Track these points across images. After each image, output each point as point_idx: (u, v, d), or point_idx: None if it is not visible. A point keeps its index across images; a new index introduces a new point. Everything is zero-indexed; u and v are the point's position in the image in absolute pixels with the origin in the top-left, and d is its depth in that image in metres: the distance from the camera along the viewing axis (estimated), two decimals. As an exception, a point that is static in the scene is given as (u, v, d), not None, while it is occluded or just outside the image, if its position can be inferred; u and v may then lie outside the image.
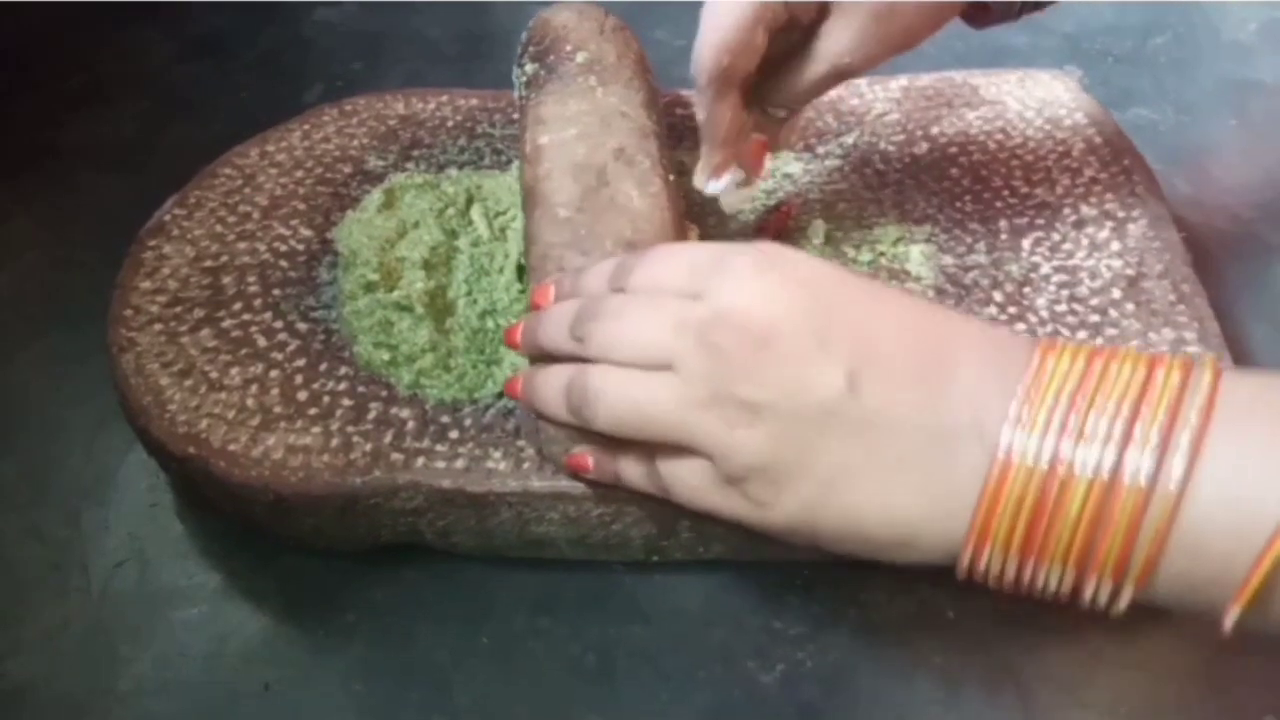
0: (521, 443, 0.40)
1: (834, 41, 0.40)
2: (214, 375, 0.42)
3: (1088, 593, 0.31)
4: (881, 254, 0.47)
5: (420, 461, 0.39)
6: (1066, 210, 0.48)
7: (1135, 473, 0.29)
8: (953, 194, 0.49)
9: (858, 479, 0.31)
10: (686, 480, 0.34)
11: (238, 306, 0.45)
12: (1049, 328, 0.43)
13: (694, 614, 0.40)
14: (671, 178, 0.43)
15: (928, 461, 0.31)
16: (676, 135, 0.52)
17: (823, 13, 0.40)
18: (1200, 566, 0.29)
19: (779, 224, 0.49)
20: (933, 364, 0.32)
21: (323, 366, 0.43)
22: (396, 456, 0.39)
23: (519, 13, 0.52)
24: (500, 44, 0.55)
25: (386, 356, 0.43)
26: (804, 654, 0.39)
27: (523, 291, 0.45)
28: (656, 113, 0.46)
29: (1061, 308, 0.44)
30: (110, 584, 0.41)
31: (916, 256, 0.46)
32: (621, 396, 0.34)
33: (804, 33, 0.41)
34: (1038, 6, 0.43)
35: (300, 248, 0.48)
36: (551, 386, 0.36)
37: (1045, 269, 0.45)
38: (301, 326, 0.44)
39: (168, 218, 0.48)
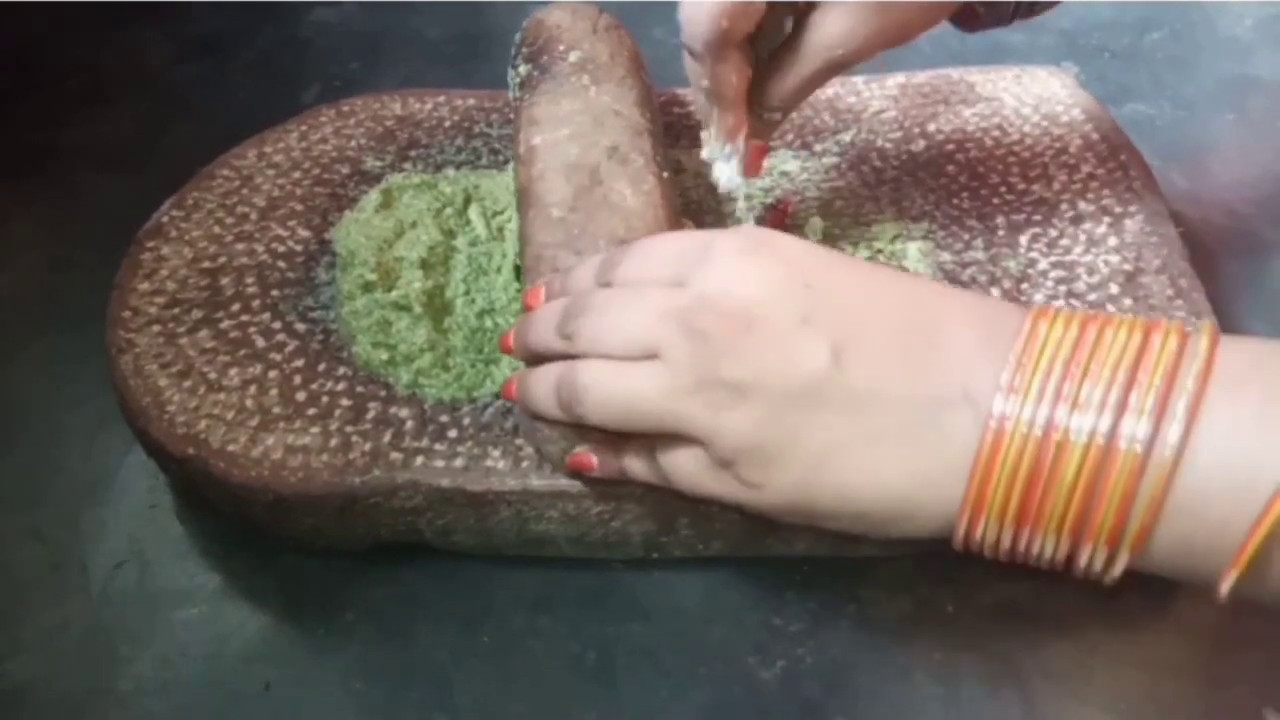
0: (520, 441, 0.40)
1: (825, 33, 0.39)
2: (213, 376, 0.42)
3: (1083, 560, 0.31)
4: (879, 251, 0.47)
5: (419, 461, 0.39)
6: (1064, 206, 0.48)
7: (1131, 438, 0.28)
8: (950, 191, 0.49)
9: (848, 454, 0.31)
10: (683, 468, 0.34)
11: (236, 307, 0.45)
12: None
13: (694, 611, 0.40)
14: (666, 175, 0.43)
15: (918, 432, 0.31)
16: (673, 134, 0.52)
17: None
18: (1196, 533, 0.29)
19: (776, 222, 0.49)
20: (920, 335, 0.32)
21: (321, 367, 0.43)
22: (395, 456, 0.39)
23: (516, 12, 0.51)
24: (497, 44, 0.55)
25: (385, 356, 0.43)
26: (804, 650, 0.39)
27: (520, 291, 0.45)
28: (651, 110, 0.46)
29: (1059, 303, 0.44)
30: (110, 584, 0.41)
31: (914, 253, 0.46)
32: (610, 389, 0.34)
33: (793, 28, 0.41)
34: (1031, 11, 0.43)
35: (298, 248, 0.48)
36: (543, 386, 0.36)
37: (1043, 265, 0.45)
38: (300, 327, 0.44)
39: (165, 219, 0.48)
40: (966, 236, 0.47)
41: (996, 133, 0.52)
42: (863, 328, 0.32)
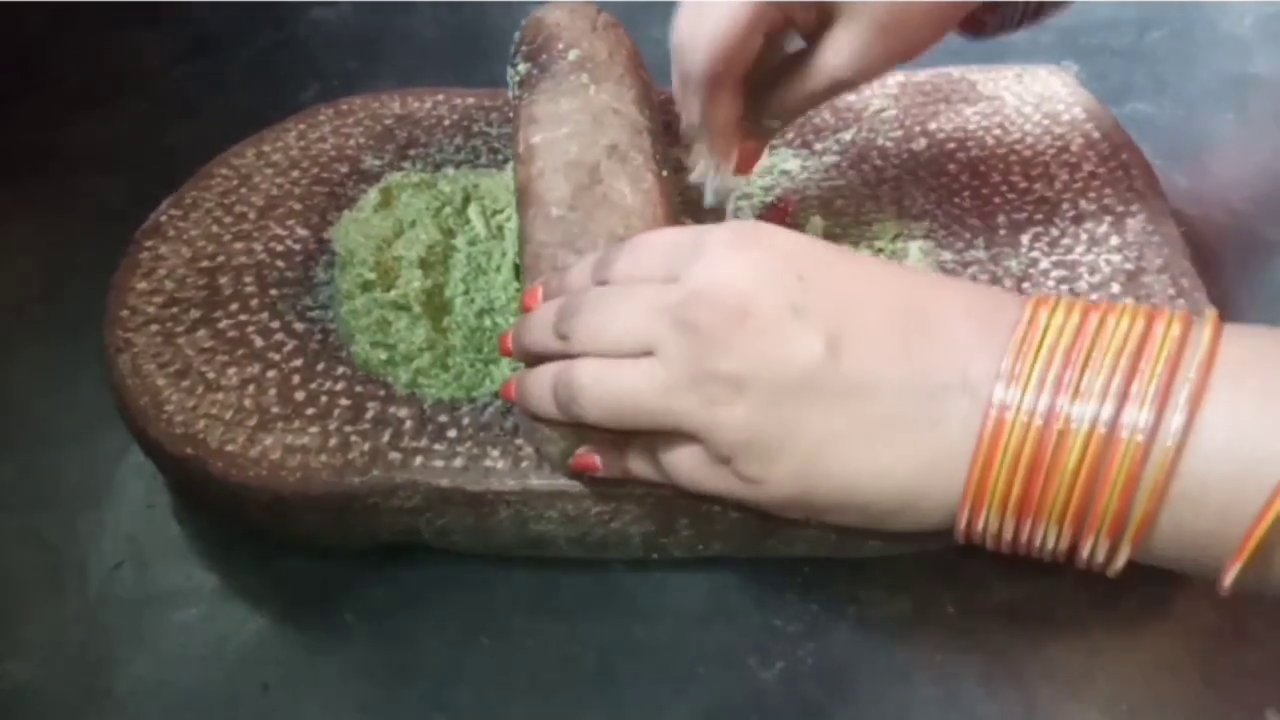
0: (520, 441, 0.40)
1: (834, 54, 0.39)
2: (211, 376, 0.42)
3: (1085, 551, 0.30)
4: (880, 250, 0.47)
5: (418, 461, 0.39)
6: (1065, 205, 0.48)
7: (1133, 427, 0.28)
8: (951, 190, 0.49)
9: (846, 446, 0.31)
10: (683, 465, 0.34)
11: (234, 307, 0.45)
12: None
13: (694, 612, 0.40)
14: (665, 173, 0.43)
15: (916, 422, 0.31)
16: (672, 132, 0.52)
17: (822, 19, 0.40)
18: (1199, 523, 0.28)
19: (777, 220, 0.48)
20: (916, 324, 0.32)
21: (320, 366, 0.42)
22: (394, 456, 0.39)
23: (514, 11, 0.52)
24: (496, 42, 0.55)
25: (384, 356, 0.43)
26: (804, 651, 0.38)
27: (519, 290, 0.45)
28: (650, 108, 0.45)
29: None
30: (108, 586, 0.41)
31: (915, 253, 0.46)
32: (605, 388, 0.34)
33: (800, 46, 0.41)
34: (1037, 14, 0.43)
35: (297, 248, 0.48)
36: (540, 386, 0.36)
37: (1044, 264, 0.45)
38: (298, 326, 0.44)
39: (164, 218, 0.48)
40: (968, 235, 0.47)
41: (998, 131, 0.52)
42: (857, 318, 0.32)
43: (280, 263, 0.47)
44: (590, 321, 0.34)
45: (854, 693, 0.37)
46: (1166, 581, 0.39)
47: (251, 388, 0.41)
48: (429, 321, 0.44)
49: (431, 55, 0.67)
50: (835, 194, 0.50)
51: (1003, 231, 0.47)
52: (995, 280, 0.45)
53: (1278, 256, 0.52)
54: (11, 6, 0.69)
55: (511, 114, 0.48)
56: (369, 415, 0.41)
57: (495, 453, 0.39)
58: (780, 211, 0.49)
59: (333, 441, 0.40)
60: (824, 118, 0.53)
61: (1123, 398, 0.29)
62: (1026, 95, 0.53)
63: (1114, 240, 0.46)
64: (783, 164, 0.51)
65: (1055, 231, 0.47)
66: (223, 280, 0.46)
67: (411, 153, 0.52)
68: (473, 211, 0.49)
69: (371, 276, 0.45)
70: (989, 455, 0.30)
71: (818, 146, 0.52)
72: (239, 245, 0.47)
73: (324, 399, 0.41)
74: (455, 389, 0.42)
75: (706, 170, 0.44)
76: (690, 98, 0.42)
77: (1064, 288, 0.44)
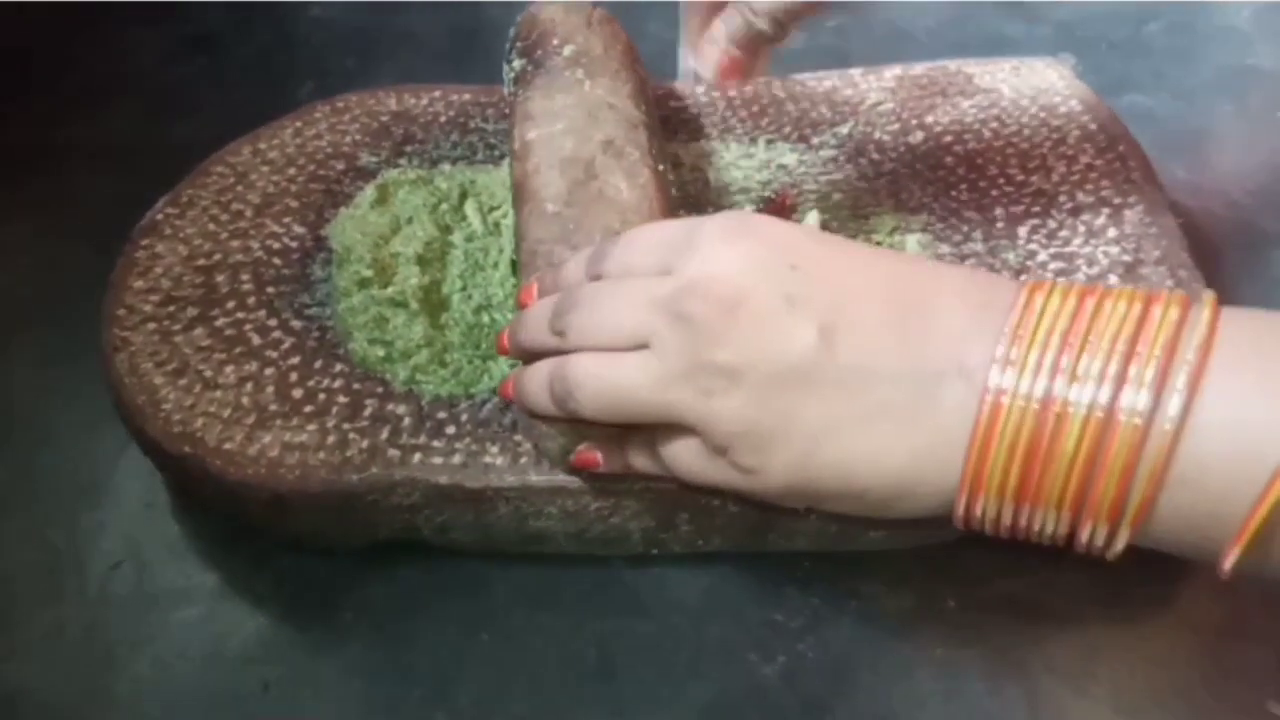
0: (518, 437, 0.40)
1: None
2: (208, 374, 0.42)
3: (1084, 535, 0.30)
4: (878, 243, 0.47)
5: (417, 458, 0.39)
6: (1062, 197, 0.47)
7: (1131, 410, 0.28)
8: (948, 183, 0.49)
9: (842, 433, 0.31)
10: (682, 458, 0.34)
11: (231, 305, 0.44)
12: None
13: (694, 607, 0.40)
14: (661, 168, 0.42)
15: (912, 408, 0.31)
16: (669, 127, 0.52)
17: None
18: (1199, 506, 0.28)
19: (774, 214, 0.48)
20: (910, 311, 0.31)
21: (318, 364, 0.42)
22: (393, 453, 0.39)
23: (510, 7, 0.51)
24: (492, 38, 0.55)
25: (382, 353, 0.42)
26: (805, 646, 0.38)
27: (517, 286, 0.45)
28: (646, 104, 0.45)
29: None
30: (107, 585, 0.41)
31: (913, 245, 0.46)
32: (601, 382, 0.33)
33: None
34: None
35: (293, 245, 0.47)
36: (537, 382, 0.36)
37: (1042, 256, 0.45)
38: (296, 324, 0.44)
39: (160, 217, 0.48)
40: (965, 228, 0.47)
41: (995, 124, 0.52)
42: (851, 306, 0.32)
43: (277, 260, 0.47)
44: (585, 317, 0.34)
45: (855, 687, 0.37)
46: (1168, 576, 0.40)
47: (249, 386, 0.41)
48: (427, 318, 0.44)
49: (428, 52, 0.67)
50: (833, 187, 0.50)
51: (1000, 224, 0.47)
52: (993, 272, 0.45)
53: (1276, 248, 0.52)
54: (8, 6, 0.69)
55: (507, 110, 0.48)
56: (367, 412, 0.40)
57: (494, 449, 0.39)
58: (778, 205, 0.49)
59: (331, 439, 0.40)
60: (821, 111, 0.53)
61: (1120, 381, 0.28)
62: (1024, 88, 0.53)
63: (1112, 232, 0.46)
64: (780, 158, 0.51)
65: (1053, 224, 0.46)
66: (220, 278, 0.46)
67: (408, 149, 0.52)
68: (469, 208, 0.49)
69: (369, 273, 0.45)
70: (986, 441, 0.30)
71: (815, 140, 0.52)
72: (236, 243, 0.47)
73: (322, 396, 0.41)
74: (453, 385, 0.42)
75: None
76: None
77: (1062, 280, 0.44)
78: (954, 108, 0.53)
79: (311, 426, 0.40)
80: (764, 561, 0.41)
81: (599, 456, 0.37)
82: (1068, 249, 0.45)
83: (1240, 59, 0.63)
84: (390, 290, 0.45)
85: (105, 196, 0.56)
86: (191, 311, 0.44)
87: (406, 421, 0.40)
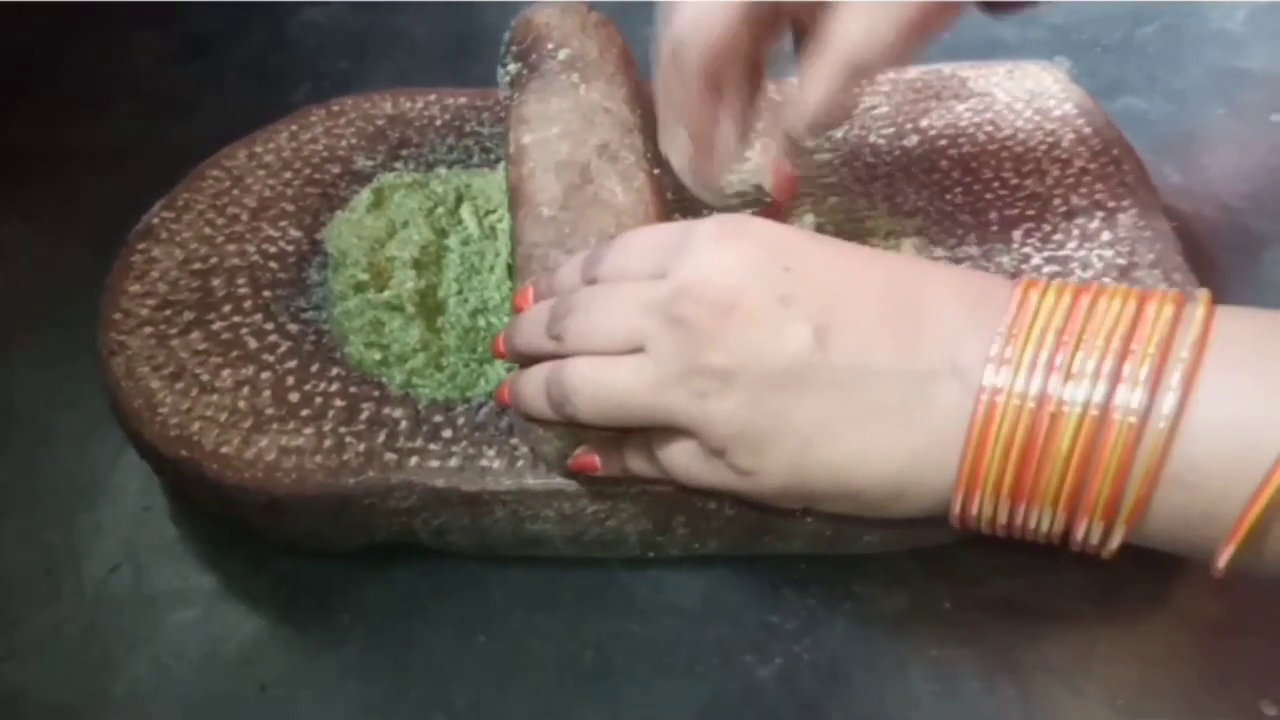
0: (515, 441, 0.40)
1: (845, 34, 0.37)
2: (205, 378, 0.42)
3: (1080, 533, 0.30)
4: (873, 247, 0.47)
5: (414, 461, 0.39)
6: (1057, 201, 0.48)
7: (1126, 409, 0.28)
8: (943, 186, 0.49)
9: (838, 433, 0.31)
10: (678, 460, 0.34)
11: (228, 309, 0.45)
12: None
13: (690, 610, 0.40)
14: (657, 171, 0.43)
15: (907, 408, 0.31)
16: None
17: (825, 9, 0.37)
18: (1193, 505, 0.28)
19: (769, 218, 0.48)
20: (904, 311, 0.32)
21: (314, 367, 0.42)
22: (390, 456, 0.39)
23: (505, 10, 0.51)
24: (488, 42, 0.55)
25: (378, 356, 0.43)
26: (800, 648, 0.38)
27: (513, 289, 0.45)
28: (641, 107, 0.45)
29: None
30: (104, 588, 0.41)
31: (908, 249, 0.46)
32: (598, 386, 0.34)
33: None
34: None
35: (289, 249, 0.47)
36: (533, 387, 0.36)
37: (1036, 260, 0.45)
38: (292, 328, 0.44)
39: (156, 220, 0.48)
40: (960, 232, 0.47)
41: (989, 128, 0.52)
42: (845, 306, 0.32)
43: (273, 264, 0.47)
44: (581, 321, 0.35)
45: (851, 688, 0.38)
46: (1163, 575, 0.40)
47: (246, 389, 0.41)
48: (423, 322, 0.44)
49: (423, 55, 0.67)
50: (828, 191, 0.50)
51: (995, 227, 0.47)
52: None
53: (1269, 250, 0.52)
54: (6, 6, 0.69)
55: (503, 113, 0.48)
56: (364, 416, 0.41)
57: (490, 452, 0.39)
58: (773, 209, 0.49)
59: (328, 443, 0.40)
60: (816, 115, 0.53)
61: (1115, 379, 0.28)
62: (1018, 91, 0.53)
63: (1105, 235, 0.46)
64: (776, 161, 0.51)
65: (1047, 227, 0.47)
66: (216, 282, 0.46)
67: (404, 153, 0.52)
68: (465, 211, 0.49)
69: (365, 277, 0.45)
70: (981, 440, 0.30)
71: (809, 144, 0.52)
72: (232, 247, 0.47)
73: (318, 400, 0.41)
74: (450, 389, 0.42)
75: (682, 164, 0.42)
76: (675, 91, 0.40)
77: (1056, 278, 0.44)
78: (949, 111, 0.53)
79: (308, 430, 0.40)
80: (760, 564, 0.41)
81: (596, 460, 0.37)
82: (1062, 252, 0.45)
83: (1233, 62, 0.64)
84: (386, 294, 0.45)
85: (103, 198, 0.56)
86: (188, 315, 0.44)
87: (403, 425, 0.40)
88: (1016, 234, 0.47)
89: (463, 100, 0.55)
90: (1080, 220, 0.47)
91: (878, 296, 0.32)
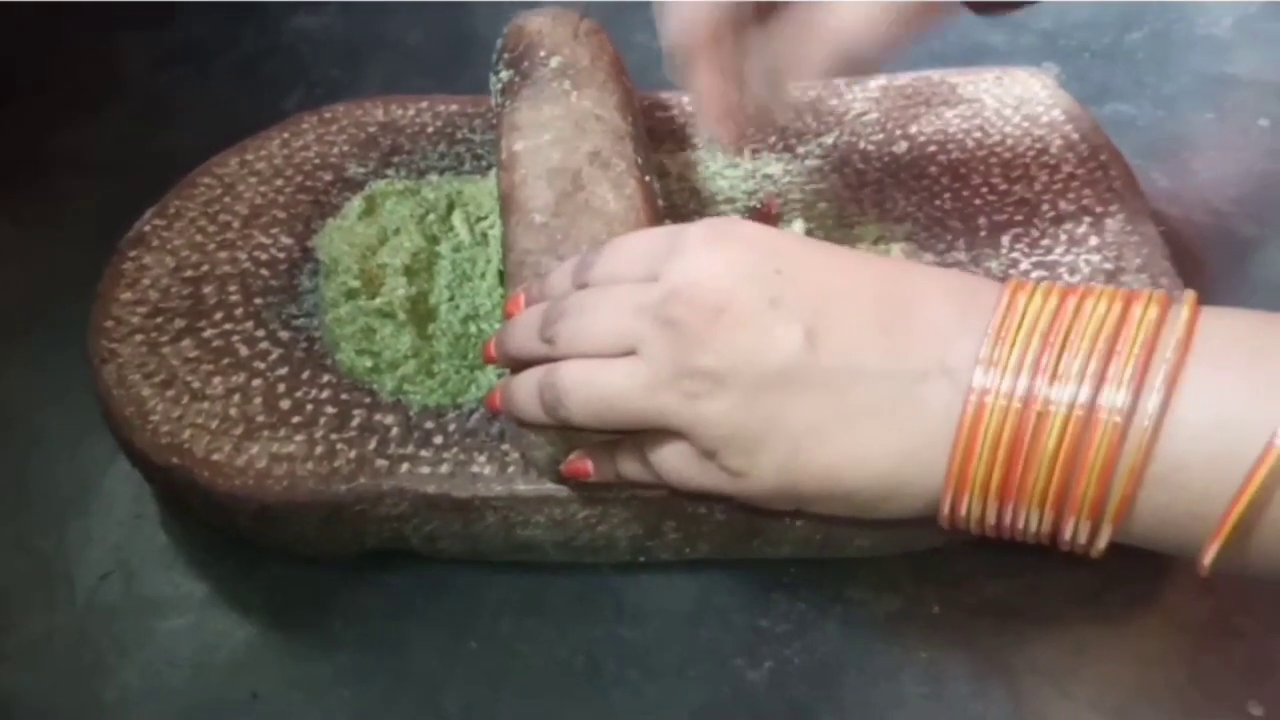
0: (506, 447, 0.40)
1: (837, 20, 0.37)
2: (196, 385, 0.42)
3: (1067, 533, 0.31)
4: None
5: (405, 468, 0.39)
6: (1045, 206, 0.48)
7: (1111, 409, 0.28)
8: (932, 192, 0.49)
9: (827, 435, 0.31)
10: (670, 463, 0.34)
11: (219, 316, 0.45)
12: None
13: (681, 614, 0.40)
14: (648, 179, 0.43)
15: (897, 409, 0.31)
16: (655, 138, 0.52)
17: None
18: (1178, 504, 0.29)
19: (760, 223, 0.49)
20: (894, 312, 0.32)
21: (305, 374, 0.42)
22: (381, 463, 0.39)
23: (497, 17, 0.52)
24: (479, 48, 0.55)
25: (369, 363, 0.43)
26: (791, 651, 0.39)
27: (504, 296, 0.45)
28: (632, 114, 0.46)
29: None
30: (96, 595, 0.41)
31: (897, 254, 0.47)
32: (590, 389, 0.34)
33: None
34: None
35: (281, 256, 0.48)
36: (526, 391, 0.36)
37: (1024, 265, 0.46)
38: (283, 335, 0.44)
39: (147, 228, 0.48)
40: (949, 237, 0.47)
41: (978, 134, 0.52)
42: (835, 308, 0.32)
43: (264, 271, 0.47)
44: (573, 324, 0.35)
45: (841, 692, 0.38)
46: (1151, 577, 0.40)
47: (237, 397, 0.41)
48: (414, 328, 0.44)
49: (415, 61, 0.67)
50: (818, 197, 0.50)
51: (983, 233, 0.47)
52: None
53: (1256, 255, 0.53)
54: (-5, 12, 0.69)
55: (495, 121, 0.48)
56: (355, 423, 0.41)
57: (481, 458, 0.39)
58: (763, 214, 0.49)
59: (319, 449, 0.40)
60: (806, 121, 0.54)
61: (1100, 379, 0.29)
62: (1006, 98, 0.54)
63: (1093, 240, 0.46)
64: (765, 167, 0.52)
65: (1035, 232, 0.47)
66: (207, 289, 0.46)
67: (395, 160, 0.52)
68: (457, 218, 0.49)
69: (356, 284, 0.45)
70: (970, 440, 0.30)
71: (800, 150, 0.52)
72: (223, 254, 0.47)
73: (310, 407, 0.41)
74: (441, 395, 0.42)
75: (717, 142, 0.43)
76: (677, 65, 0.41)
77: (1044, 280, 0.44)
78: (938, 117, 0.53)
79: (299, 437, 0.40)
80: (750, 568, 0.41)
81: (589, 465, 0.37)
82: (1050, 257, 0.46)
83: (1221, 67, 0.64)
84: (378, 301, 0.45)
85: (94, 204, 0.57)
86: (179, 323, 0.44)
87: (394, 431, 0.40)
88: (1005, 239, 0.47)
89: (454, 107, 0.55)
90: (1068, 225, 0.47)
91: (867, 298, 0.32)
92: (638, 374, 0.33)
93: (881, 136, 0.52)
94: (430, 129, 0.54)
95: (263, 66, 0.67)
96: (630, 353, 0.33)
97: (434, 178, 0.51)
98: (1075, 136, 0.51)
